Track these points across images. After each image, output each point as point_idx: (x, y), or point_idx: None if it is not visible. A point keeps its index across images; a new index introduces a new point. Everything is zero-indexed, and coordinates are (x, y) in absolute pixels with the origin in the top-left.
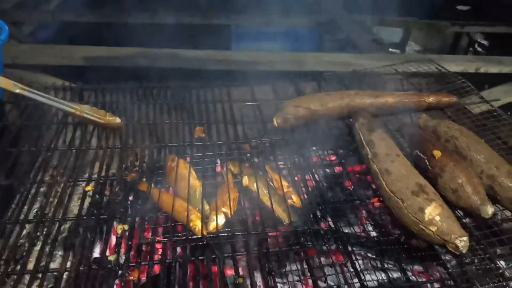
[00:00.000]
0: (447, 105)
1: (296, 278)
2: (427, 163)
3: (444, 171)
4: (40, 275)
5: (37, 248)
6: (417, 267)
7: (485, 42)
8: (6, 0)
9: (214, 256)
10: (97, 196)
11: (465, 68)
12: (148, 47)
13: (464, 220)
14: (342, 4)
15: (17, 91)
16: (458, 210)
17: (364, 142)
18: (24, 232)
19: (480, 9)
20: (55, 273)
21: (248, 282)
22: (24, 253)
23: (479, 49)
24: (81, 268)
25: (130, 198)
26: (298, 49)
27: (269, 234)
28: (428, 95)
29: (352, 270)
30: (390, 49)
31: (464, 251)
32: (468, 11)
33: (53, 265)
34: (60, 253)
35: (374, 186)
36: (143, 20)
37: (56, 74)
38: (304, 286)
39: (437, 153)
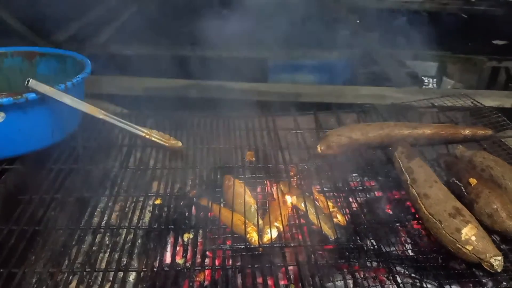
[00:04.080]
0: (482, 137)
1: None
2: (463, 190)
3: (479, 197)
4: (121, 274)
5: (113, 254)
6: (455, 287)
7: None
8: (61, 32)
9: (268, 265)
10: (165, 209)
11: (501, 103)
12: (196, 78)
13: (501, 247)
14: (377, 38)
15: (101, 116)
16: (494, 235)
17: (403, 169)
18: (98, 239)
19: None
20: (134, 272)
21: None
22: (105, 257)
23: None
24: (155, 269)
25: (193, 211)
26: (332, 81)
27: (317, 248)
28: (464, 128)
29: (393, 284)
30: (424, 83)
31: (499, 270)
32: (505, 46)
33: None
34: (131, 259)
35: (413, 210)
36: (184, 52)
37: (112, 102)
38: None
39: (473, 181)
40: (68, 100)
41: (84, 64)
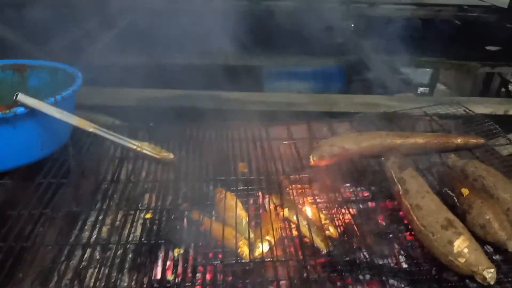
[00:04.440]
0: (474, 146)
1: None
2: (456, 200)
3: (472, 207)
4: None
5: (102, 270)
6: None
7: None
8: (55, 42)
9: (260, 279)
10: (155, 223)
11: (494, 111)
12: (187, 87)
13: (494, 257)
14: (370, 45)
15: (91, 129)
16: (487, 246)
17: (395, 180)
18: (88, 255)
19: (510, 49)
20: None
21: None
22: (92, 275)
23: None
24: (144, 286)
25: (184, 225)
26: (326, 88)
27: (309, 262)
28: (456, 137)
29: None
30: (419, 90)
31: (491, 282)
32: (498, 51)
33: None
34: (122, 274)
35: (405, 221)
36: (180, 60)
37: (105, 112)
38: None
39: (465, 191)
40: (57, 114)
41: (75, 77)
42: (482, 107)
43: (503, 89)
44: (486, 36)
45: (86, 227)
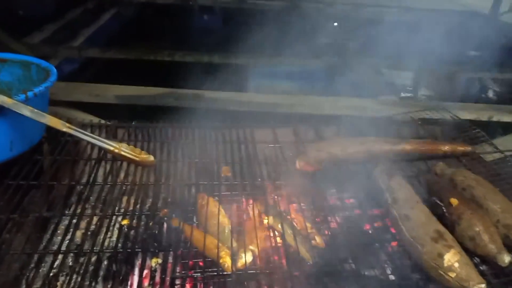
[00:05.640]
0: (462, 154)
1: None
2: (445, 210)
3: (461, 219)
4: None
5: (74, 278)
6: None
7: (497, 88)
8: (35, 35)
9: None
10: (132, 229)
11: (478, 117)
12: (170, 85)
13: (481, 267)
14: (355, 47)
15: (64, 129)
16: (475, 258)
17: (384, 188)
18: (59, 262)
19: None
20: None
21: None
22: (64, 283)
23: (491, 94)
24: None
25: (163, 232)
26: (310, 88)
27: (294, 273)
28: (444, 144)
29: None
30: (402, 93)
31: None
32: (479, 57)
33: None
34: (96, 283)
35: (393, 230)
36: (163, 57)
37: (86, 110)
38: None
39: (454, 201)
40: (28, 112)
41: (49, 72)
42: (467, 112)
43: (483, 95)
44: (468, 41)
45: (58, 233)
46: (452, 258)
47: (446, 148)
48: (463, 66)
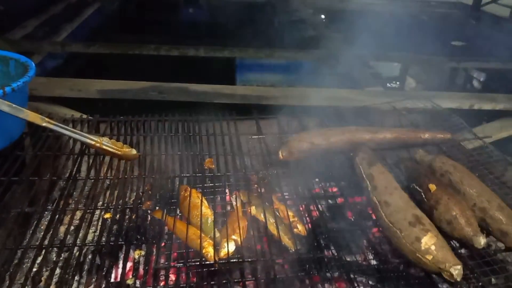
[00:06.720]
0: (442, 141)
1: None
2: (423, 196)
3: (439, 203)
4: None
5: (58, 272)
6: None
7: (481, 78)
8: (17, 31)
9: (225, 281)
10: (115, 223)
11: (460, 105)
12: (157, 79)
13: (459, 251)
14: (341, 39)
15: (44, 124)
16: (453, 241)
17: (364, 176)
18: (42, 258)
19: (474, 45)
20: None
21: None
22: (47, 278)
23: (476, 84)
24: None
25: (147, 224)
26: (298, 80)
27: (276, 261)
28: (424, 132)
29: None
30: (388, 84)
31: (458, 279)
32: (463, 47)
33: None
34: (80, 277)
35: (374, 217)
36: (148, 52)
37: (71, 105)
38: None
39: (432, 187)
40: (6, 107)
41: (28, 67)
42: (449, 101)
43: (468, 85)
44: (452, 31)
45: (41, 228)
46: (429, 241)
47: (426, 135)
48: (448, 56)
